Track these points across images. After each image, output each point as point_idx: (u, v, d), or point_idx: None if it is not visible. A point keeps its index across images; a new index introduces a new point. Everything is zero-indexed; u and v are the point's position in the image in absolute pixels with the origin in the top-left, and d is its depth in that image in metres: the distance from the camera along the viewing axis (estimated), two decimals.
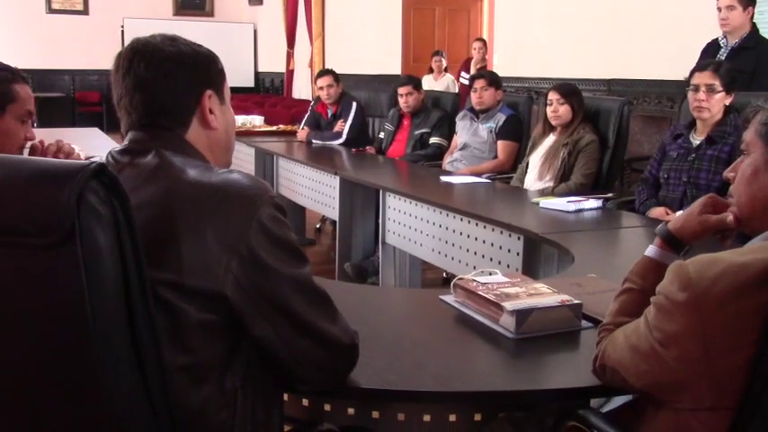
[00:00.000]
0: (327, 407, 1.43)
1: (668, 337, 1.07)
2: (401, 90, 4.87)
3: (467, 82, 6.81)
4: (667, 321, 1.07)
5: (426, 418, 1.40)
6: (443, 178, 3.77)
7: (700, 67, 2.97)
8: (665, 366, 1.08)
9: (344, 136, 5.26)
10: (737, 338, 1.01)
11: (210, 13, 13.05)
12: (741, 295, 1.01)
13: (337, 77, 5.40)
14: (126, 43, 1.27)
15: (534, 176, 3.64)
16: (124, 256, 0.95)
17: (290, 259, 1.15)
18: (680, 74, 3.19)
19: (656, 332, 1.09)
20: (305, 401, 1.44)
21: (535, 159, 3.69)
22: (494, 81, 4.40)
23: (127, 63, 1.22)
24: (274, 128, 6.36)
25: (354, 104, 5.34)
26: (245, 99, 10.30)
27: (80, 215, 0.90)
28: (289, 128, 6.28)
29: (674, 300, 1.06)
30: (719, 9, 3.73)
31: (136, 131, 1.23)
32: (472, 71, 7.25)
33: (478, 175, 3.96)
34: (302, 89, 10.74)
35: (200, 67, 1.27)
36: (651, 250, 1.34)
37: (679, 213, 1.47)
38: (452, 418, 1.40)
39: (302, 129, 5.60)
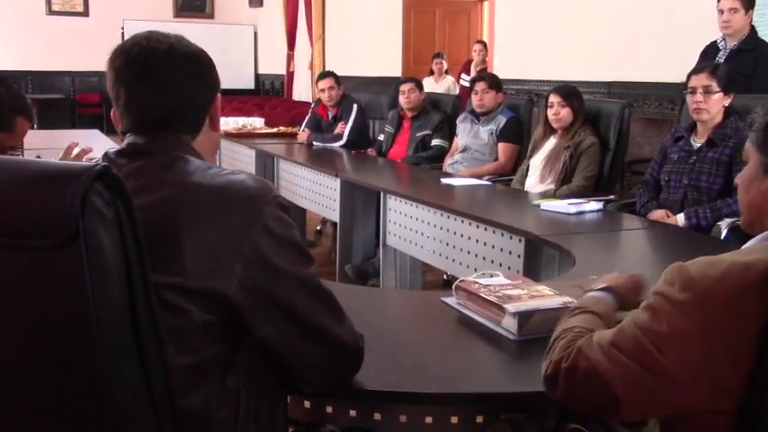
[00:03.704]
0: (329, 408, 1.43)
1: (666, 340, 1.03)
2: (403, 87, 4.87)
3: (467, 84, 6.81)
4: (665, 323, 1.04)
5: (428, 419, 1.40)
6: (444, 180, 3.78)
7: (696, 70, 2.98)
8: (661, 372, 1.03)
9: (345, 138, 5.27)
10: (740, 339, 1.00)
11: (211, 15, 13.06)
12: (744, 295, 0.99)
13: (338, 80, 5.41)
14: (143, 32, 1.23)
15: (536, 179, 3.65)
16: (128, 257, 0.95)
17: (296, 259, 1.15)
18: (680, 76, 3.20)
19: (650, 335, 1.05)
20: (307, 403, 1.44)
21: (536, 162, 3.69)
22: (494, 83, 4.41)
23: (144, 60, 1.18)
24: (275, 130, 6.36)
25: (355, 106, 5.34)
26: (245, 101, 10.32)
27: (84, 217, 0.90)
28: (289, 130, 6.28)
29: (675, 300, 1.03)
30: (721, 12, 3.73)
31: (136, 134, 1.21)
32: (472, 73, 7.26)
33: (479, 177, 3.97)
34: (302, 91, 10.74)
35: (212, 68, 1.27)
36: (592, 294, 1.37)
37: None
38: (454, 419, 1.40)
39: (303, 131, 5.61)
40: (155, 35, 1.21)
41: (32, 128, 2.08)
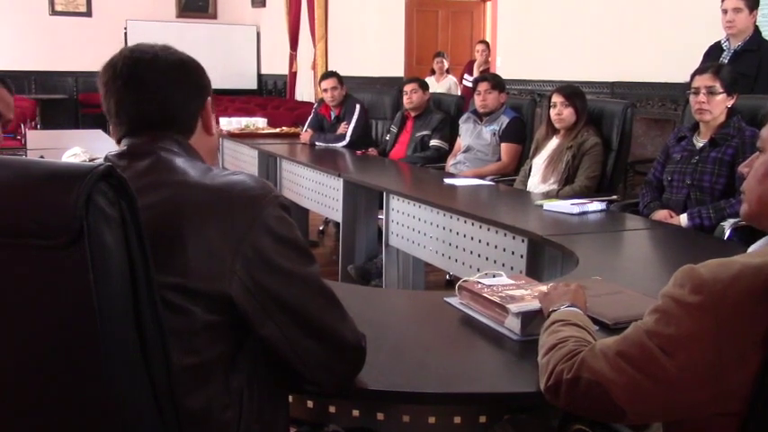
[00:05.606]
0: (332, 408, 1.44)
1: (674, 343, 1.01)
2: (406, 87, 4.89)
3: (470, 84, 6.81)
4: (673, 326, 1.02)
5: (431, 419, 1.40)
6: (447, 180, 3.78)
7: (700, 70, 2.98)
8: (666, 378, 1.02)
9: (348, 138, 5.27)
10: (749, 344, 0.98)
11: (213, 15, 13.06)
12: (756, 298, 0.98)
13: (341, 80, 5.41)
14: (129, 45, 1.28)
15: (538, 179, 3.65)
16: (132, 257, 0.95)
17: (298, 258, 1.16)
18: (683, 76, 3.20)
19: (656, 339, 1.03)
20: (310, 403, 1.44)
21: (538, 162, 3.69)
22: (497, 84, 4.41)
23: (128, 70, 1.23)
24: (277, 130, 6.37)
25: (358, 106, 5.35)
26: (247, 101, 10.32)
27: (88, 216, 0.90)
28: (292, 130, 6.29)
29: (685, 302, 1.01)
30: (725, 11, 3.73)
31: (132, 136, 1.23)
32: (475, 73, 7.26)
33: (482, 177, 3.97)
34: (305, 91, 10.74)
35: (201, 74, 1.30)
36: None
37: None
38: (457, 420, 1.40)
39: (305, 131, 5.61)
40: (140, 47, 1.26)
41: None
